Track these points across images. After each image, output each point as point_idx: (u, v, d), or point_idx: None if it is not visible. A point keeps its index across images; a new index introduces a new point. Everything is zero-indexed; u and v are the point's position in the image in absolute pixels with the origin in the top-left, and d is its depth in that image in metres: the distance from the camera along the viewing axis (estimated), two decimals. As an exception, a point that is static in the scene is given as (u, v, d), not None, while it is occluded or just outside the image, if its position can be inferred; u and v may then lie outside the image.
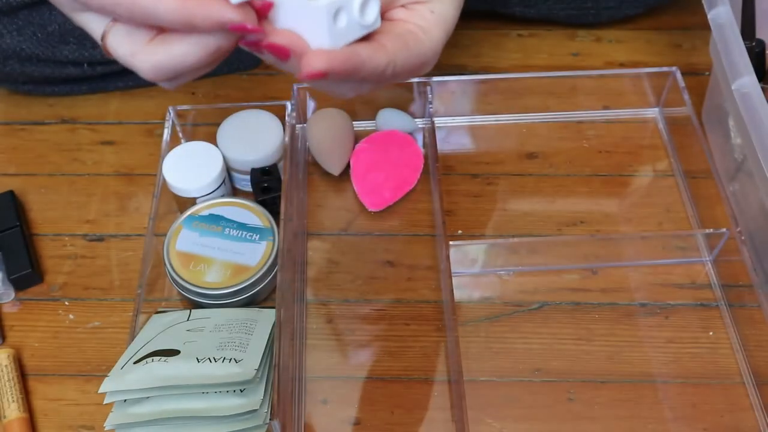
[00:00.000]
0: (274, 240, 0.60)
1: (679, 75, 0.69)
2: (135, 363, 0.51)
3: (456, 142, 0.71)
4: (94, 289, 0.63)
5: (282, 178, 0.63)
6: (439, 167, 0.65)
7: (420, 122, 0.71)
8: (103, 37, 0.40)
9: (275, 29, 0.38)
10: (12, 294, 0.62)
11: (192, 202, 0.63)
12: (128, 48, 0.39)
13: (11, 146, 0.72)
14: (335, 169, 0.67)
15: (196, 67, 0.38)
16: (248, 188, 0.66)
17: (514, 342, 0.59)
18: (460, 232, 0.65)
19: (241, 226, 0.61)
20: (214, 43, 0.37)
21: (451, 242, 0.60)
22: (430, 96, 0.69)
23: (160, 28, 0.38)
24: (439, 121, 0.71)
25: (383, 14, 0.42)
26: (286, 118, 0.65)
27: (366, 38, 0.40)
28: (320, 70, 0.37)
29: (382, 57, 0.39)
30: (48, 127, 0.73)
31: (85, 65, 0.70)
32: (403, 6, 0.43)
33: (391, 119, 0.70)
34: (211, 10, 0.35)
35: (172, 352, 0.52)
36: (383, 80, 0.41)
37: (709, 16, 0.60)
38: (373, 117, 0.71)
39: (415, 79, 0.68)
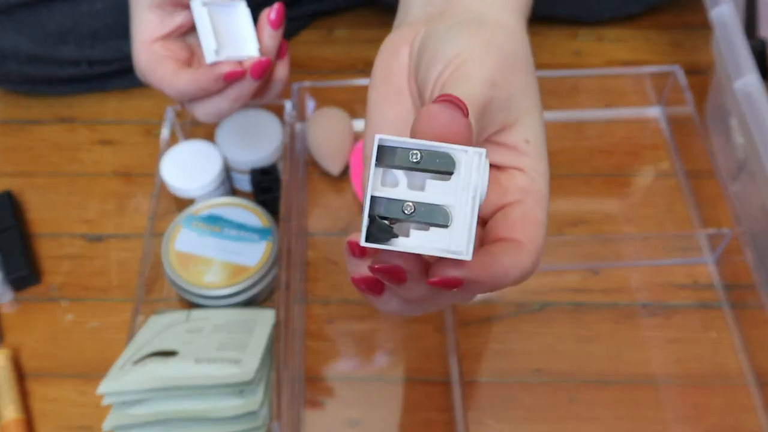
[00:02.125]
0: (273, 240, 0.60)
1: (680, 74, 0.68)
2: (134, 364, 0.51)
3: (456, 142, 0.71)
4: (92, 290, 0.62)
5: (282, 178, 0.63)
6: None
7: (420, 122, 0.71)
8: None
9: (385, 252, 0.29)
10: (10, 294, 0.62)
11: (191, 202, 0.63)
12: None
13: (10, 146, 0.72)
14: (335, 169, 0.67)
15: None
16: (248, 188, 0.66)
17: (515, 342, 0.59)
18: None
19: (241, 227, 0.60)
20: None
21: (451, 242, 0.60)
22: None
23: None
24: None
25: None
26: (286, 117, 0.65)
27: (488, 231, 0.32)
28: (457, 277, 0.29)
29: (526, 259, 0.31)
30: (46, 126, 0.73)
31: (84, 65, 0.70)
32: (489, 142, 0.34)
33: (391, 119, 0.69)
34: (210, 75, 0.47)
35: (171, 353, 0.52)
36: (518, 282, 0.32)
37: (711, 15, 0.60)
38: (373, 116, 0.71)
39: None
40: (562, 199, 0.67)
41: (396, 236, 0.28)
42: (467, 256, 0.28)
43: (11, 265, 0.62)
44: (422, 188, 0.28)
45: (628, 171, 0.69)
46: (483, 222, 0.34)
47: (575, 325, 0.59)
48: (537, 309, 0.60)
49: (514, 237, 0.32)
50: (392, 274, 0.29)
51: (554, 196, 0.66)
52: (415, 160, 0.28)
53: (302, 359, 0.58)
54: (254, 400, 0.50)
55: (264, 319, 0.57)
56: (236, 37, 0.49)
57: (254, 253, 0.59)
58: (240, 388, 0.50)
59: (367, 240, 0.28)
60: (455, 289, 0.29)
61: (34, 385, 0.58)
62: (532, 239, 0.32)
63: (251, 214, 0.61)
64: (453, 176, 0.28)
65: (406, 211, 0.28)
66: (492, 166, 0.34)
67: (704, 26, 0.70)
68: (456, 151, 0.28)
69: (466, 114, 0.28)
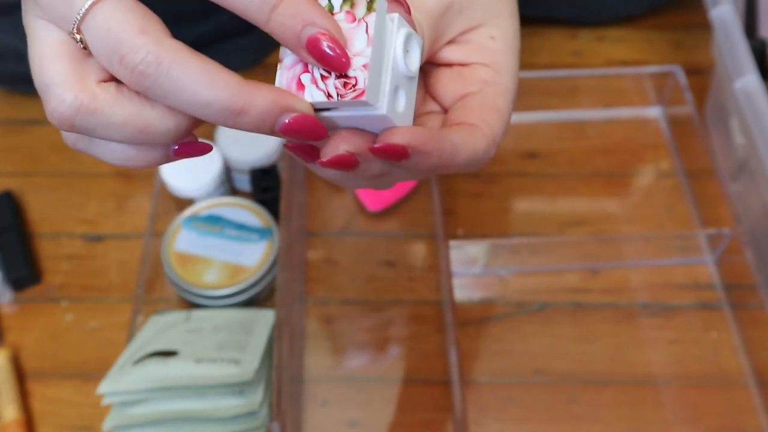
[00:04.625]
0: (273, 240, 0.60)
1: (681, 74, 0.68)
2: (134, 364, 0.51)
3: (456, 142, 0.71)
4: (92, 290, 0.62)
5: (282, 178, 0.63)
6: (439, 167, 0.65)
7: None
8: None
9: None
10: (10, 294, 0.62)
11: (191, 202, 0.63)
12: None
13: (9, 146, 0.72)
14: (335, 169, 0.67)
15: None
16: (248, 188, 0.65)
17: (515, 343, 0.59)
18: (460, 232, 0.64)
19: (241, 227, 0.60)
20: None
21: (451, 242, 0.60)
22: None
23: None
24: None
25: (433, 59, 0.34)
26: (286, 117, 0.65)
27: (446, 119, 0.32)
28: (400, 144, 0.28)
29: (479, 140, 0.31)
30: (46, 126, 0.73)
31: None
32: (452, 42, 0.34)
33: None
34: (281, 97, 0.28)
35: (171, 353, 0.52)
36: (475, 167, 0.32)
37: (711, 15, 0.60)
38: (373, 116, 0.71)
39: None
40: (562, 199, 0.67)
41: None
42: (371, 99, 0.28)
43: (11, 265, 0.62)
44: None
45: (628, 171, 0.69)
46: (444, 111, 0.34)
47: (575, 326, 0.59)
48: (537, 309, 0.60)
49: (469, 121, 0.32)
50: (344, 162, 0.29)
51: (554, 196, 0.67)
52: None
53: (302, 359, 0.58)
54: (254, 400, 0.50)
55: (264, 319, 0.57)
56: None
57: (254, 253, 0.59)
58: (240, 388, 0.50)
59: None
60: (404, 160, 0.29)
61: (34, 385, 0.58)
62: (488, 124, 0.32)
63: (251, 214, 0.61)
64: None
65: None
66: (456, 63, 0.34)
67: (704, 26, 0.70)
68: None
69: (407, 11, 0.30)
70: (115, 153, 0.30)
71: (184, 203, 0.63)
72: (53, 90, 0.29)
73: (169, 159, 0.31)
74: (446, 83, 0.34)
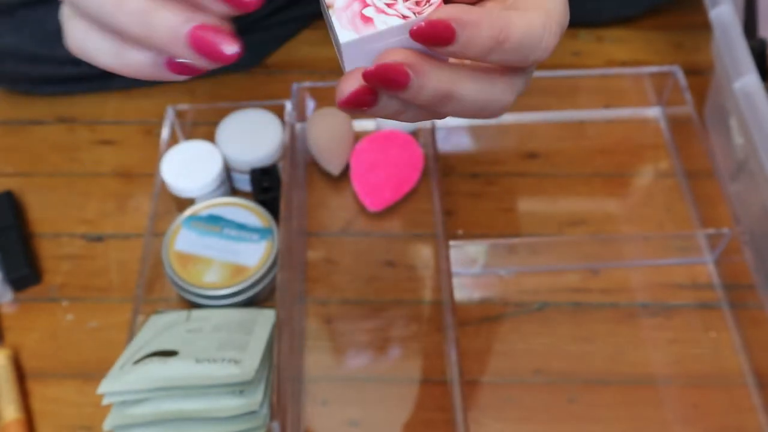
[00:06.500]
0: (273, 240, 0.60)
1: (680, 74, 0.68)
2: (134, 364, 0.51)
3: (456, 142, 0.71)
4: (92, 290, 0.62)
5: (282, 178, 0.63)
6: (439, 167, 0.65)
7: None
8: None
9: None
10: (10, 294, 0.62)
11: (191, 202, 0.63)
12: None
13: (9, 146, 0.72)
14: (335, 169, 0.67)
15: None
16: (248, 188, 0.66)
17: (515, 343, 0.59)
18: (460, 232, 0.64)
19: (241, 227, 0.60)
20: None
21: (451, 242, 0.60)
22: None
23: None
24: (439, 120, 0.71)
25: None
26: (286, 117, 0.65)
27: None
28: (442, 20, 0.27)
29: (534, 16, 0.29)
30: (46, 126, 0.73)
31: (84, 64, 0.70)
32: None
33: (391, 119, 0.69)
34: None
35: (171, 353, 0.52)
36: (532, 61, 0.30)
37: (710, 15, 0.60)
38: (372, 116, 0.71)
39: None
40: (561, 199, 0.67)
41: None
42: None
43: (11, 265, 0.62)
44: None
45: (628, 171, 0.69)
46: None
47: (575, 325, 0.59)
48: (537, 309, 0.60)
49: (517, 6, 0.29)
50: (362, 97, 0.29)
51: (554, 195, 0.67)
52: None
53: (302, 359, 0.58)
54: (254, 400, 0.50)
55: (264, 319, 0.57)
56: None
57: (254, 253, 0.59)
58: (240, 388, 0.50)
59: None
60: (451, 46, 0.27)
61: (34, 385, 0.58)
62: (540, 4, 0.29)
63: (251, 214, 0.61)
64: None
65: None
66: None
67: (704, 26, 0.70)
68: None
69: None
70: (104, 51, 0.30)
71: (184, 203, 0.63)
72: None
73: (158, 68, 0.30)
74: None
